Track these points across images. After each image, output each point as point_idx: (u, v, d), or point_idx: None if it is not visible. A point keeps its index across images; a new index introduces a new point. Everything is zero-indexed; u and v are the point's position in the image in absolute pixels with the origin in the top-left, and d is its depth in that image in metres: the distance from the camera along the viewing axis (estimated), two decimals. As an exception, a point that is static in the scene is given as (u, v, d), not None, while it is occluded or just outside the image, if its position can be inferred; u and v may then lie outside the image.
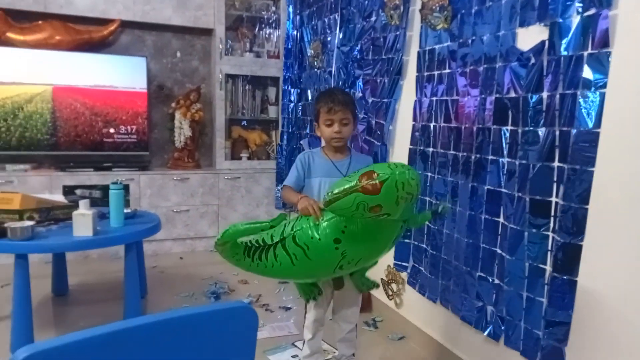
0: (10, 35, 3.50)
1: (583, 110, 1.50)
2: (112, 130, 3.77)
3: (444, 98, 2.17)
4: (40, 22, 3.59)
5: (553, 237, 1.63)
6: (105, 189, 2.60)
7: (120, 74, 3.74)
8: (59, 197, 2.72)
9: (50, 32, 3.58)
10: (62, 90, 3.61)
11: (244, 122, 4.28)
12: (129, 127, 3.81)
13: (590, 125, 1.49)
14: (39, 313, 2.65)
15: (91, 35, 3.73)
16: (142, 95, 3.82)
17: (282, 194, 1.88)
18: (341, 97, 1.79)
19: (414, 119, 2.40)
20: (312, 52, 3.48)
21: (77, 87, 3.64)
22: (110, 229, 2.40)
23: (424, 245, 2.34)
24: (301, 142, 3.77)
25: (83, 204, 2.29)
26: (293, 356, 2.28)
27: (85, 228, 2.24)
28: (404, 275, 2.51)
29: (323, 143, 1.96)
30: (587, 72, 1.48)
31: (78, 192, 3.42)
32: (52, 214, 2.48)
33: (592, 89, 1.47)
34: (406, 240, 2.46)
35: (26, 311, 2.21)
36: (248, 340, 0.98)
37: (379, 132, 2.66)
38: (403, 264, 2.50)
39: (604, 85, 1.45)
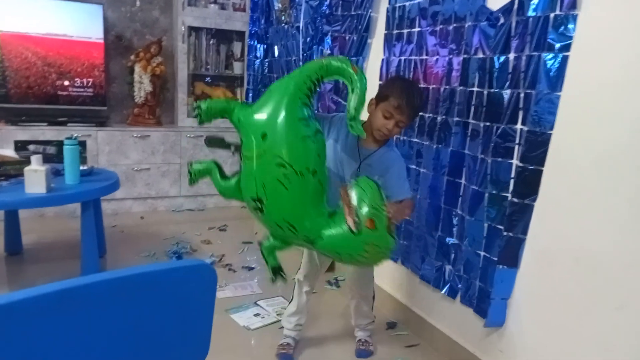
0: (-51, -26, 3.25)
1: (546, 73, 1.52)
2: (66, 83, 3.60)
3: (413, 57, 2.16)
4: (-18, -39, 3.33)
5: (510, 198, 1.68)
6: (60, 144, 2.51)
7: (75, 22, 3.54)
8: (10, 152, 2.62)
9: (-5, -28, 3.34)
10: (11, 38, 3.40)
11: (208, 78, 4.17)
12: (84, 80, 3.64)
13: (553, 88, 1.51)
14: (-9, 271, 2.59)
15: (41, -21, 3.50)
16: (99, 45, 3.64)
17: None
18: (416, 103, 1.70)
19: (381, 79, 2.38)
20: (280, 5, 3.38)
21: (28, 35, 3.43)
22: (65, 187, 2.34)
23: (388, 206, 2.37)
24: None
25: (35, 160, 2.21)
26: (255, 314, 2.32)
27: (38, 185, 2.18)
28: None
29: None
30: (553, 35, 1.50)
31: (31, 147, 3.30)
32: (2, 170, 2.39)
33: (556, 51, 1.49)
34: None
35: (-24, 269, 2.16)
36: (207, 298, 0.98)
37: (346, 92, 2.63)
38: (367, 224, 2.54)
39: (568, 48, 1.47)
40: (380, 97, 1.73)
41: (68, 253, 2.89)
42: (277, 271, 1.69)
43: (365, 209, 1.46)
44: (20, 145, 3.28)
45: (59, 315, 0.79)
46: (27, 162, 2.25)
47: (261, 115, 1.49)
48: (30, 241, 3.02)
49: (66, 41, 3.55)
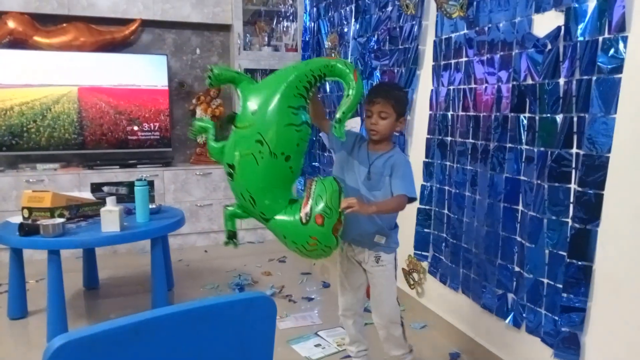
0: (37, 39, 3.63)
1: (599, 96, 1.49)
2: (135, 128, 3.87)
3: (461, 86, 2.17)
4: (64, 24, 3.70)
5: (571, 224, 1.63)
6: (131, 185, 2.68)
7: (142, 73, 3.83)
8: (87, 195, 2.83)
9: (75, 34, 3.70)
10: (87, 91, 3.72)
11: (264, 116, 4.31)
12: (152, 125, 3.90)
13: (606, 111, 1.48)
14: (73, 305, 2.77)
15: (113, 36, 3.84)
16: (164, 92, 3.91)
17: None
18: (383, 90, 1.77)
19: (431, 108, 2.40)
20: (330, 44, 3.50)
21: (102, 87, 3.75)
22: (136, 225, 2.49)
23: (444, 235, 2.35)
24: (320, 134, 3.80)
25: (110, 201, 2.38)
26: (316, 345, 2.33)
27: (112, 224, 2.33)
28: (425, 264, 2.53)
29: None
30: (603, 58, 1.48)
31: (105, 189, 3.54)
32: (81, 211, 2.58)
33: (608, 74, 1.46)
34: (426, 230, 2.48)
35: (60, 303, 2.32)
36: (267, 328, 1.03)
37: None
38: (423, 253, 2.52)
39: (620, 70, 1.44)
40: None
41: (139, 287, 3.05)
42: (231, 237, 1.84)
43: (320, 205, 1.57)
44: (95, 187, 3.53)
45: (133, 346, 0.86)
46: (103, 203, 2.43)
47: (258, 94, 1.60)
48: (105, 276, 3.22)
49: (135, 90, 3.84)
